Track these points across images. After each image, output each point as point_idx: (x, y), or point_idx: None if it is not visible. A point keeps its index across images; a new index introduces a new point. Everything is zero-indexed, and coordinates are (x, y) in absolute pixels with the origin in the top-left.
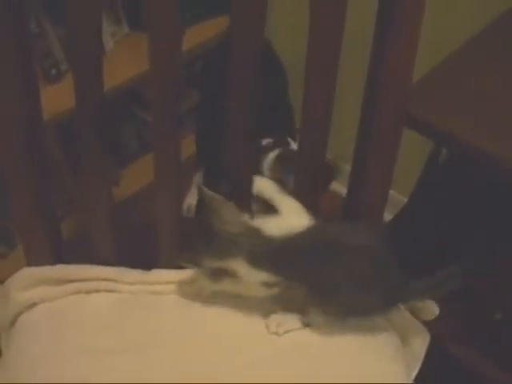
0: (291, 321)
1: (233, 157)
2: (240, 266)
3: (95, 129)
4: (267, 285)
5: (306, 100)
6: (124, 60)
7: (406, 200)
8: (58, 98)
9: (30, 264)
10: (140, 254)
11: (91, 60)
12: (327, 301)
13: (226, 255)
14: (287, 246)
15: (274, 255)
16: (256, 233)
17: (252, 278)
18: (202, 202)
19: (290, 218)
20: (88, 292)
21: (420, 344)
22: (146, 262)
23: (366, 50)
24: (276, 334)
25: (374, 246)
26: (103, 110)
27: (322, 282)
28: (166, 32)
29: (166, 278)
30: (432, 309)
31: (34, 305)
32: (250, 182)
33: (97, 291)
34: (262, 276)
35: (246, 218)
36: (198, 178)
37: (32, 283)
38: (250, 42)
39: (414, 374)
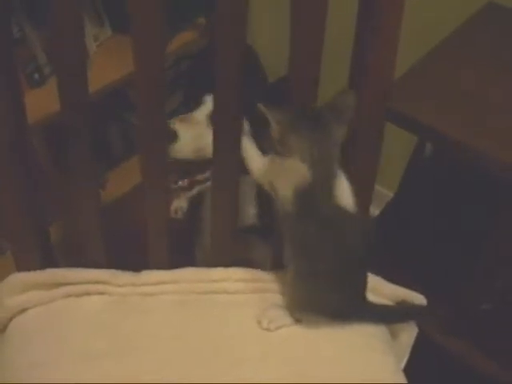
0: (283, 317)
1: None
2: None
3: (81, 132)
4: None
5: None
6: (107, 63)
7: (392, 195)
8: (41, 102)
9: (19, 269)
10: (129, 256)
11: (75, 63)
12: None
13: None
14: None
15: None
16: None
17: None
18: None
19: None
20: (78, 295)
21: (408, 336)
22: (135, 263)
23: (348, 48)
24: (268, 330)
25: (369, 233)
26: (89, 113)
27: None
28: (150, 34)
29: (157, 278)
30: (419, 300)
31: (24, 310)
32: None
33: (87, 294)
34: None
35: None
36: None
37: (22, 288)
38: (233, 46)
39: (403, 364)
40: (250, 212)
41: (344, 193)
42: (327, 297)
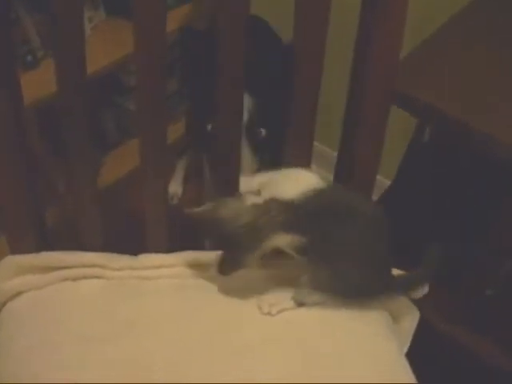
0: (284, 301)
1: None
2: (278, 239)
3: (78, 114)
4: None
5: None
6: (102, 46)
7: (389, 182)
8: (34, 85)
9: (13, 252)
10: (125, 241)
11: (73, 44)
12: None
13: (261, 240)
14: (310, 207)
15: (304, 218)
16: (275, 203)
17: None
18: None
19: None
20: (75, 279)
21: (410, 321)
22: (131, 249)
23: (353, 31)
24: (269, 314)
25: (382, 218)
26: (86, 94)
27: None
28: (151, 15)
29: (155, 262)
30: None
31: (19, 293)
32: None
33: (84, 278)
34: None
35: (249, 199)
36: (181, 166)
37: (17, 272)
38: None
39: (405, 349)
40: None
41: None
42: (355, 275)
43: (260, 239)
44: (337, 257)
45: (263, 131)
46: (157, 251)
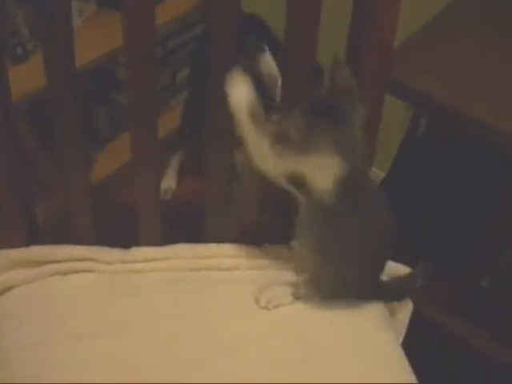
0: (282, 296)
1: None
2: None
3: (68, 107)
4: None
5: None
6: (92, 38)
7: (384, 175)
8: (24, 79)
9: (2, 246)
10: (117, 235)
11: (62, 37)
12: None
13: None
14: None
15: None
16: None
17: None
18: None
19: None
20: (65, 273)
21: (405, 313)
22: (124, 242)
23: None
24: (266, 309)
25: (390, 223)
26: (76, 88)
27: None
28: (140, 7)
29: (147, 255)
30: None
31: (9, 288)
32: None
33: (75, 272)
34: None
35: None
36: (174, 160)
37: (6, 266)
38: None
39: (400, 340)
40: None
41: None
42: (355, 277)
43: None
44: (341, 256)
45: None
46: (150, 245)
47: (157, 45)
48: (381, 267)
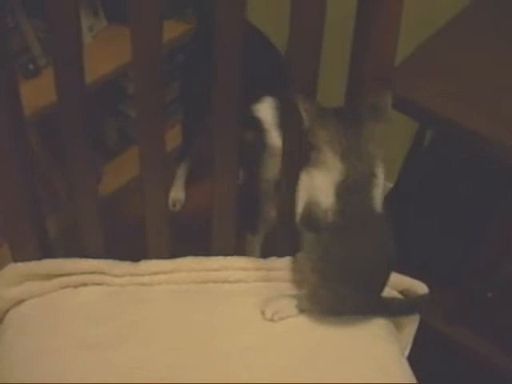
0: (288, 308)
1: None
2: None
3: (78, 124)
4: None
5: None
6: (103, 54)
7: (391, 186)
8: (36, 94)
9: (16, 260)
10: (127, 248)
11: (71, 54)
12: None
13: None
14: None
15: None
16: None
17: None
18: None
19: None
20: (76, 286)
21: (410, 325)
22: (133, 255)
23: (349, 34)
24: (271, 321)
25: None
26: (86, 105)
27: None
28: (148, 24)
29: (156, 268)
30: (421, 289)
31: (21, 301)
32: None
33: (84, 285)
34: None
35: None
36: (181, 171)
37: (19, 279)
38: (233, 25)
39: (407, 353)
40: (271, 214)
41: (378, 193)
42: (352, 297)
43: None
44: (338, 276)
45: None
46: (158, 258)
47: (164, 60)
48: (380, 288)
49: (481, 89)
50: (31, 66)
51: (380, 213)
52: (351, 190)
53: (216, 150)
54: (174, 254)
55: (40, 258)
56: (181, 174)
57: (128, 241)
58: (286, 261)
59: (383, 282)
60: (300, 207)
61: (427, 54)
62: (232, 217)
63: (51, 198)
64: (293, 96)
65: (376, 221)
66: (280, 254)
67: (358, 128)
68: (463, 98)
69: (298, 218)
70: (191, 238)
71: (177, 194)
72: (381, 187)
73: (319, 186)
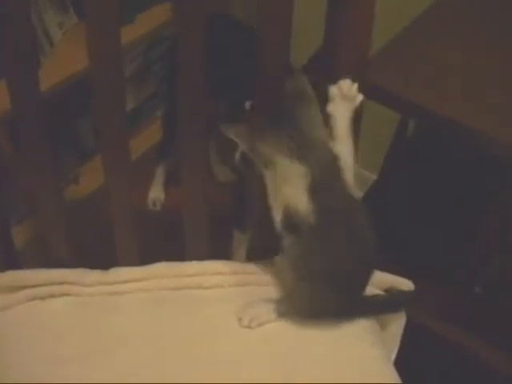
0: (265, 313)
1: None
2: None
3: (38, 128)
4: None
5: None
6: (73, 51)
7: (374, 177)
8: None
9: None
10: (100, 255)
11: (24, 58)
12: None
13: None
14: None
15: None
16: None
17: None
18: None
19: None
20: (43, 298)
21: (397, 325)
22: (105, 262)
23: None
24: (249, 328)
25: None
26: (43, 109)
27: None
28: (105, 24)
29: (127, 276)
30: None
31: None
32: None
33: (52, 296)
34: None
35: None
36: (160, 170)
37: None
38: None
39: (394, 355)
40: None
41: (349, 177)
42: (331, 299)
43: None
44: (316, 277)
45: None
46: (129, 264)
47: (140, 54)
48: (362, 285)
49: (457, 78)
50: None
51: (357, 199)
52: (322, 183)
53: (183, 153)
54: (154, 256)
55: (4, 271)
56: (160, 172)
57: (103, 244)
58: (263, 264)
59: (365, 280)
60: (278, 216)
61: (403, 44)
62: (204, 219)
63: (16, 208)
64: (222, 130)
65: (355, 211)
66: (258, 258)
67: (294, 121)
68: (440, 87)
69: (277, 225)
70: (173, 236)
71: (156, 193)
72: (348, 168)
73: (292, 195)
